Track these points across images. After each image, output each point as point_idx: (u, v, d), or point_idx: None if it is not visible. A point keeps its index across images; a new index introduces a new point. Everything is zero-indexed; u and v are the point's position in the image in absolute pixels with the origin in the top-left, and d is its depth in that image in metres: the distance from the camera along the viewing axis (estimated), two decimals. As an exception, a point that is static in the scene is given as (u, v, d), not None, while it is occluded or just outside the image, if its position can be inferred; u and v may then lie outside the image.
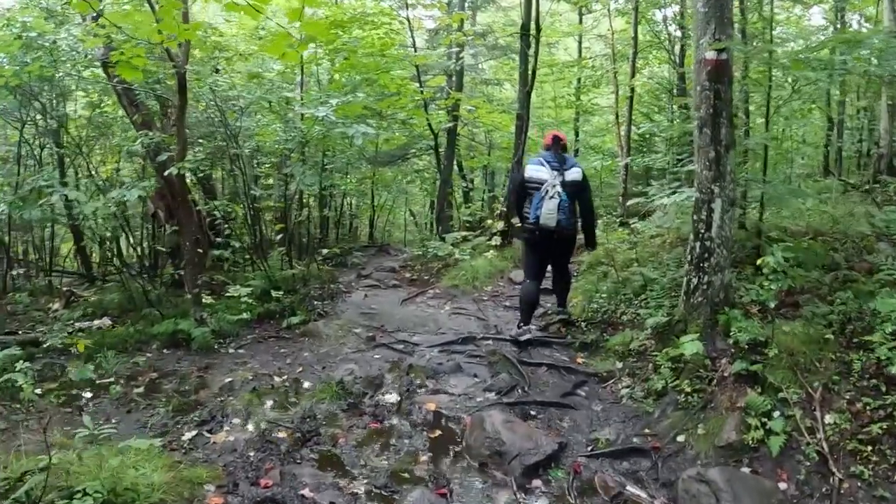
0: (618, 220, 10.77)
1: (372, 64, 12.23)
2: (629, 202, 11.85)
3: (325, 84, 14.11)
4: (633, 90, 11.26)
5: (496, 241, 9.19)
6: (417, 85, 11.58)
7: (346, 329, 7.09)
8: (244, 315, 7.47)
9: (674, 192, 5.25)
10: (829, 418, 4.06)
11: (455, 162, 15.82)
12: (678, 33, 12.12)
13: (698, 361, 5.01)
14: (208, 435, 4.69)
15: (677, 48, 13.12)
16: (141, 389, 5.68)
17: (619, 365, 5.72)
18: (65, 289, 9.11)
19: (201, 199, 9.86)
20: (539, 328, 6.85)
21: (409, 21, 12.11)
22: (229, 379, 5.99)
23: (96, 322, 7.43)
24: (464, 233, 10.64)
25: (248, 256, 9.16)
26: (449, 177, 11.28)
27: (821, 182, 10.84)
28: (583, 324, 6.70)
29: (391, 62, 12.36)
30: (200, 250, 8.58)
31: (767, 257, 4.82)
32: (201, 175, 9.49)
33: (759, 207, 7.20)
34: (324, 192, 14.31)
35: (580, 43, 14.71)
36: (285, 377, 6.03)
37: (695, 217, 5.38)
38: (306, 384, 5.70)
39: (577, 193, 5.97)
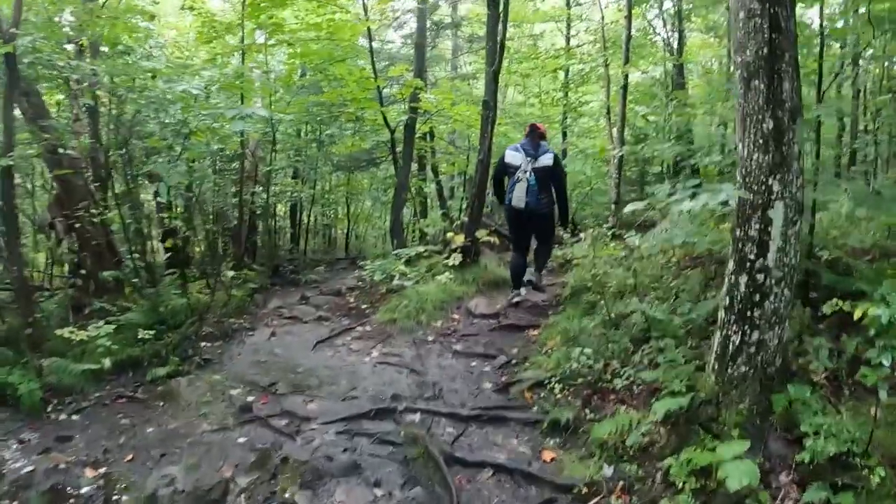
0: (609, 233, 8.45)
1: (322, 51, 10.02)
2: (625, 209, 9.55)
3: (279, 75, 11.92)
4: (626, 78, 8.94)
5: (455, 259, 6.87)
6: (368, 68, 9.30)
7: (218, 391, 4.76)
8: (102, 363, 5.20)
9: (696, 193, 2.94)
10: None
11: (430, 167, 13.52)
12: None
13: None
14: None
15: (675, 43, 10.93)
16: None
17: (609, 472, 3.38)
18: None
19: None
20: (496, 389, 4.56)
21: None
22: (29, 468, 3.86)
23: None
24: (421, 248, 8.31)
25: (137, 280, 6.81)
26: (406, 181, 8.94)
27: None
28: (555, 387, 4.36)
29: (347, 51, 10.10)
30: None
31: (875, 306, 2.53)
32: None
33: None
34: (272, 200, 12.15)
35: (568, 28, 12.37)
36: (102, 471, 3.80)
37: (738, 232, 3.07)
38: (123, 497, 3.41)
39: (549, 178, 6.11)
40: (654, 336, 4.42)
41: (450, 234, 7.31)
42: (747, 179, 2.96)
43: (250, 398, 4.62)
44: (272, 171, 11.98)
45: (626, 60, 8.93)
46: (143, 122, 6.56)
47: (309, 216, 16.01)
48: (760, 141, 2.89)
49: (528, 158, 6.05)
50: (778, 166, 2.89)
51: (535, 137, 6.16)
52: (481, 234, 7.09)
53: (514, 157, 6.13)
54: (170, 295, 6.67)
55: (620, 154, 8.90)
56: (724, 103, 10.86)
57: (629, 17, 9.09)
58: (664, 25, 11.11)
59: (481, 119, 7.25)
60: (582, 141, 14.42)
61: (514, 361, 5.14)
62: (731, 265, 3.14)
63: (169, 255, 6.74)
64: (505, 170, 6.23)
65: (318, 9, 9.39)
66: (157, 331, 5.93)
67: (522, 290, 6.51)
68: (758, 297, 3.05)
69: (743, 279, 3.05)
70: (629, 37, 8.85)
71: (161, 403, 4.70)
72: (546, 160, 6.06)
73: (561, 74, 12.89)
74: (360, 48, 10.45)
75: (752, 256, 3.00)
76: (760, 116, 2.88)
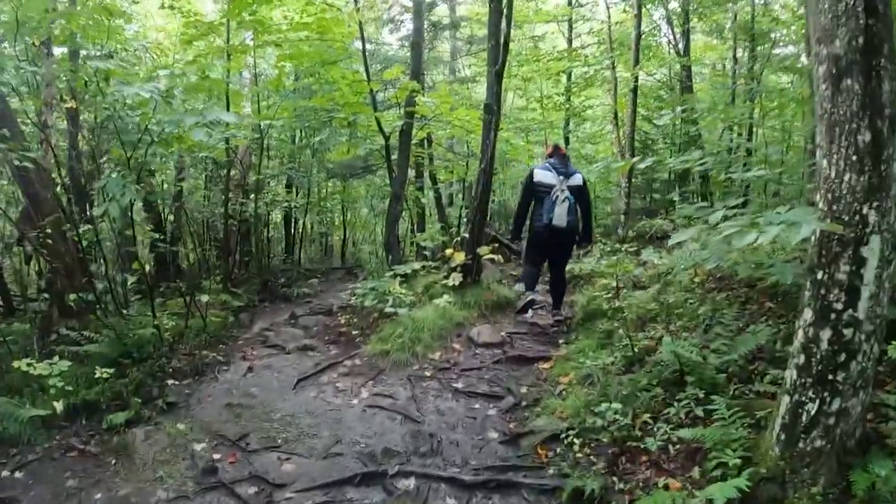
0: (622, 248, 7.76)
1: (313, 53, 9.33)
2: (644, 222, 8.84)
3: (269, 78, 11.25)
4: (636, 80, 8.24)
5: (455, 279, 6.17)
6: (362, 71, 8.60)
7: (180, 445, 4.04)
8: (54, 407, 4.50)
9: (759, 222, 2.23)
10: None
11: (429, 175, 12.78)
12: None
13: None
14: None
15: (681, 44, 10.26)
16: None
17: (652, 571, 2.67)
18: None
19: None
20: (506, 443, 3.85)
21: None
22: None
23: None
24: (418, 264, 7.60)
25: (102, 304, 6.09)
26: (401, 191, 8.22)
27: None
28: (574, 441, 3.65)
29: (340, 52, 9.40)
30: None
31: None
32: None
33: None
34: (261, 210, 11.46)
35: (570, 29, 11.66)
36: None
37: (819, 275, 2.38)
38: None
39: (579, 196, 6.03)
40: (689, 381, 3.72)
41: (449, 251, 6.60)
42: (835, 207, 2.26)
43: (216, 455, 3.90)
44: (261, 179, 11.31)
45: (637, 61, 8.24)
46: (126, 130, 5.92)
47: (303, 225, 15.35)
48: (854, 158, 2.19)
49: (561, 178, 5.91)
50: (875, 190, 2.20)
51: (563, 156, 6.11)
52: (484, 251, 6.39)
53: (545, 175, 5.94)
54: (141, 320, 5.97)
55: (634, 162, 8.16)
56: (731, 105, 10.22)
57: (639, 15, 8.41)
58: (669, 25, 10.42)
59: (483, 124, 6.56)
60: (585, 147, 13.74)
61: (523, 403, 4.44)
62: (807, 315, 2.44)
63: (136, 277, 6.00)
64: (534, 190, 5.98)
65: (306, 7, 8.70)
66: (121, 366, 5.24)
67: (538, 291, 6.42)
68: (843, 357, 2.35)
69: (826, 334, 2.35)
70: (639, 35, 8.17)
71: (114, 461, 3.98)
72: (577, 179, 5.99)
73: (563, 78, 12.19)
74: (353, 50, 9.76)
75: (838, 306, 2.31)
76: (854, 126, 2.18)
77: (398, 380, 4.97)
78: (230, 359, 5.66)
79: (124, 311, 6.17)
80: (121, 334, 5.62)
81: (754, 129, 10.60)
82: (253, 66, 11.16)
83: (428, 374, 5.05)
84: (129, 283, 6.21)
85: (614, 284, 5.93)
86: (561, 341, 5.52)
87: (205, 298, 6.00)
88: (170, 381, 5.19)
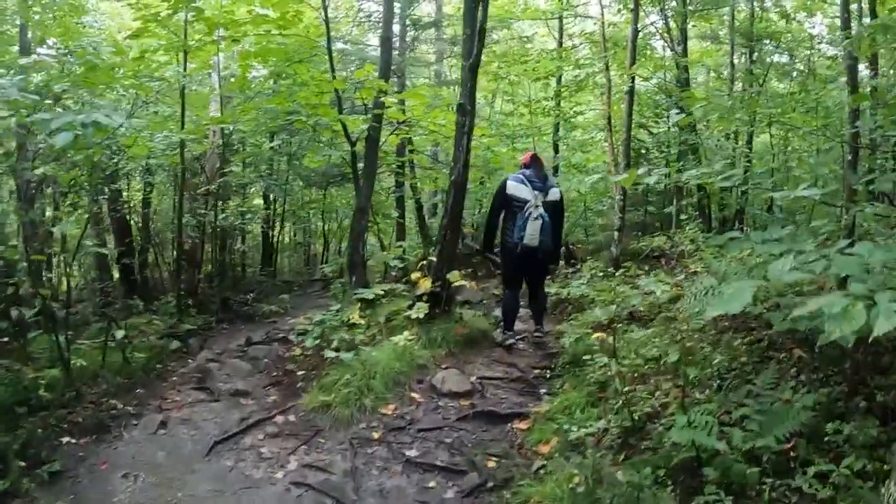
0: (612, 272, 6.78)
1: (278, 50, 8.37)
2: (642, 240, 7.82)
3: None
4: (633, 80, 7.26)
5: (419, 311, 5.16)
6: (327, 69, 7.62)
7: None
8: None
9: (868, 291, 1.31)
10: None
11: (410, 185, 11.72)
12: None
13: None
14: None
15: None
16: None
17: None
18: None
19: None
20: None
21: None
22: None
23: None
24: (385, 286, 6.60)
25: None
26: (367, 203, 7.18)
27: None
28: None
29: (306, 46, 8.38)
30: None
31: None
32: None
33: None
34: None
35: (560, 25, 10.65)
36: None
37: None
38: None
39: (554, 214, 5.50)
40: (709, 476, 2.72)
41: (415, 276, 5.58)
42: None
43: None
44: (226, 186, 10.34)
45: (633, 60, 7.26)
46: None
47: (279, 235, 14.38)
48: None
49: (537, 192, 5.33)
50: None
51: (540, 167, 5.54)
52: (455, 276, 5.38)
53: (519, 189, 5.35)
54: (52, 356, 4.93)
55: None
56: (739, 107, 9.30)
57: (636, 10, 7.43)
58: (666, 23, 9.44)
59: (456, 127, 5.56)
60: (575, 155, 12.76)
61: (489, 484, 3.42)
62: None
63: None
64: (506, 203, 5.40)
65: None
66: (16, 416, 4.22)
67: (517, 334, 5.76)
68: None
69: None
70: (636, 31, 7.18)
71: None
72: (555, 194, 5.50)
73: (553, 81, 11.21)
74: (322, 48, 8.77)
75: None
76: None
77: (338, 444, 3.94)
78: (143, 409, 4.61)
79: (25, 344, 5.11)
80: (18, 377, 4.59)
81: (753, 138, 9.75)
82: (218, 67, 10.17)
83: (376, 435, 4.02)
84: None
85: (606, 319, 4.93)
86: (543, 390, 4.51)
87: (119, 334, 4.95)
88: (65, 439, 4.16)
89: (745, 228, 9.53)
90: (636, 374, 4.09)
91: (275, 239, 14.04)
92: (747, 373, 3.63)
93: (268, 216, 13.44)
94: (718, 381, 3.66)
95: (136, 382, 5.12)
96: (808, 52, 10.13)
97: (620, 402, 3.61)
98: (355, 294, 6.19)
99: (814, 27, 10.98)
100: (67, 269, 9.24)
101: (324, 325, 4.99)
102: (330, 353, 4.27)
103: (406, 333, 4.91)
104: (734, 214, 9.29)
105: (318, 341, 4.78)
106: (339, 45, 10.39)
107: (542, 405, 4.22)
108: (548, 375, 4.74)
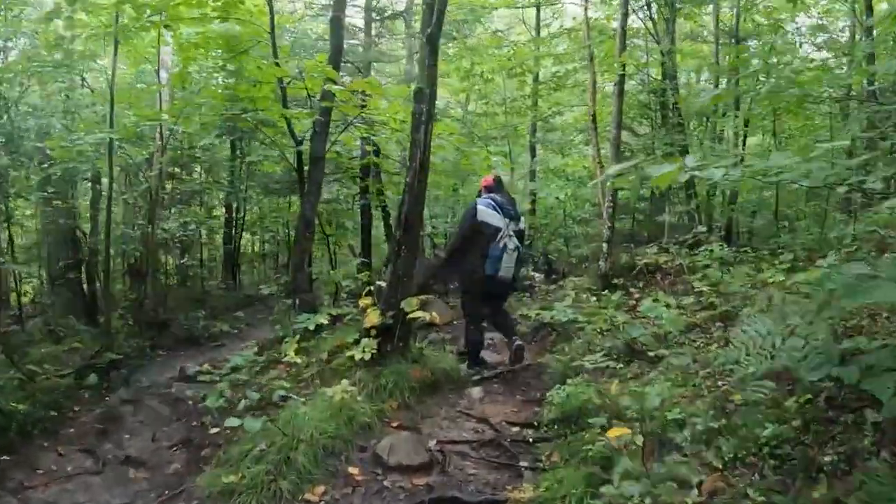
0: (601, 290, 5.65)
1: (219, 39, 7.27)
2: (639, 250, 6.71)
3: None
4: (623, 69, 6.16)
5: (366, 350, 3.97)
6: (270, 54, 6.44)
7: None
8: None
9: None
10: None
11: (375, 190, 10.45)
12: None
13: None
14: None
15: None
16: None
17: None
18: None
19: None
20: None
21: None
22: None
23: None
24: (333, 311, 5.39)
25: None
26: (312, 214, 5.93)
27: None
28: None
29: (250, 38, 7.19)
30: None
31: None
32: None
33: None
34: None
35: (538, 14, 9.52)
36: None
37: None
38: None
39: (521, 241, 5.23)
40: None
41: (363, 302, 4.38)
42: None
43: None
44: (170, 192, 9.13)
45: (623, 47, 6.15)
46: None
47: (238, 245, 13.10)
48: None
49: (508, 220, 5.00)
50: None
51: (506, 191, 5.26)
52: (411, 304, 4.18)
53: (491, 216, 4.95)
54: None
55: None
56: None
57: (625, -10, 6.33)
58: (651, 16, 8.39)
59: (412, 118, 4.39)
60: (553, 159, 11.66)
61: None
62: None
63: None
64: (476, 231, 4.92)
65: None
66: None
67: (483, 376, 5.01)
68: None
69: None
70: (626, 14, 6.08)
71: None
72: (523, 223, 5.30)
73: (529, 79, 10.11)
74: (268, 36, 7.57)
75: None
76: None
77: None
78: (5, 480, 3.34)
79: None
80: None
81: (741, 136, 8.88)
82: (167, 65, 8.96)
83: (292, 539, 2.80)
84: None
85: (604, 360, 3.77)
86: (524, 463, 3.31)
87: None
88: None
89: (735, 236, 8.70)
90: (654, 442, 2.93)
91: (236, 250, 12.85)
92: (815, 455, 2.49)
93: (229, 224, 12.28)
94: (780, 479, 2.49)
95: (6, 446, 3.83)
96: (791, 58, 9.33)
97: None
98: (294, 324, 5.00)
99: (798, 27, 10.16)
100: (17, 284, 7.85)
101: (237, 372, 3.74)
102: (232, 422, 3.03)
103: (345, 382, 3.69)
104: (727, 222, 8.42)
105: (221, 401, 3.52)
106: (289, 38, 9.21)
107: (525, 487, 3.02)
108: (530, 438, 3.54)
